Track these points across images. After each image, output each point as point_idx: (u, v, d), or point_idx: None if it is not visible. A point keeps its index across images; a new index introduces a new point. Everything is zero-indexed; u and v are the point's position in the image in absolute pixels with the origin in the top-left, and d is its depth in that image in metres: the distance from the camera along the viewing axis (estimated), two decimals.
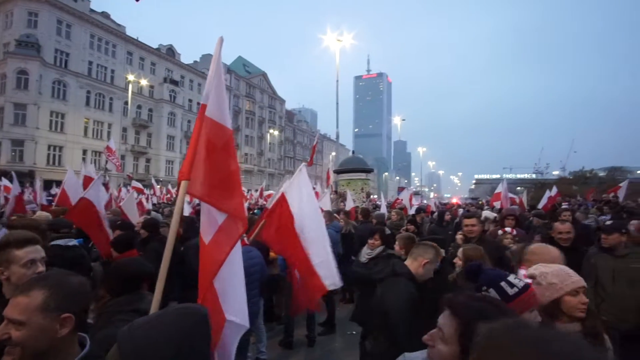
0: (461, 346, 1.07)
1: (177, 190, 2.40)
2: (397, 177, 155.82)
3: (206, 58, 57.83)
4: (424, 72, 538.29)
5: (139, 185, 17.22)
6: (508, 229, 5.15)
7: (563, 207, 9.48)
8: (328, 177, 14.26)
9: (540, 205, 11.15)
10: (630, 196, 13.11)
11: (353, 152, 19.40)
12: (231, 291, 1.89)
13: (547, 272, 1.65)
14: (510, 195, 12.14)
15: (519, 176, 59.42)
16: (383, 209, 9.66)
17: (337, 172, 14.24)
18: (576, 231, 3.99)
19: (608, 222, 3.68)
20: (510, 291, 1.44)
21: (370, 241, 4.29)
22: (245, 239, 3.49)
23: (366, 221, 6.94)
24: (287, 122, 71.91)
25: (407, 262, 2.80)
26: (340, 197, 13.25)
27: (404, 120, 63.90)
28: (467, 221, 4.24)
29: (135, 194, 11.38)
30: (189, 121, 48.05)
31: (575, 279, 1.64)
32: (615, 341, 3.24)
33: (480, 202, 21.25)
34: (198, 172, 1.87)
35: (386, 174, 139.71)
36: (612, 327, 3.21)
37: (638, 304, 3.10)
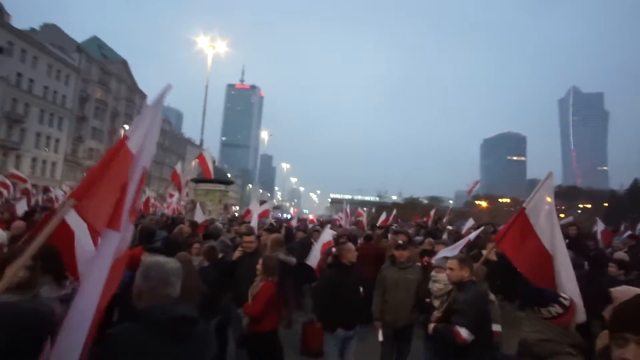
0: None
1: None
2: (261, 190, 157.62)
3: (50, 29, 48.51)
4: (299, 95, 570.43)
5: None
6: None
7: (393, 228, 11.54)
8: (176, 181, 13.50)
9: (378, 223, 13.35)
10: (438, 220, 16.59)
11: (214, 162, 19.12)
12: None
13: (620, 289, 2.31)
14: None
15: (366, 198, 67.63)
16: (254, 223, 9.59)
17: (195, 181, 13.85)
18: None
19: (400, 242, 4.81)
20: (566, 303, 2.10)
21: None
22: None
23: (194, 234, 6.75)
24: None
25: None
26: (195, 206, 12.89)
27: (271, 135, 65.81)
28: (245, 238, 5.01)
29: None
30: (14, 99, 39.12)
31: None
32: (389, 336, 4.30)
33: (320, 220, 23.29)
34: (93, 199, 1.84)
35: (250, 186, 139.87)
36: (389, 326, 4.24)
37: (409, 305, 4.16)
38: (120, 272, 2.03)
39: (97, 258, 1.88)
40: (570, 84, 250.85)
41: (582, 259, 5.68)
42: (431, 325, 3.35)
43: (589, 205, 56.45)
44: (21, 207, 9.14)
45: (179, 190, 14.93)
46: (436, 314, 3.40)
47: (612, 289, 2.36)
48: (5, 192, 14.85)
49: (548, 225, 3.22)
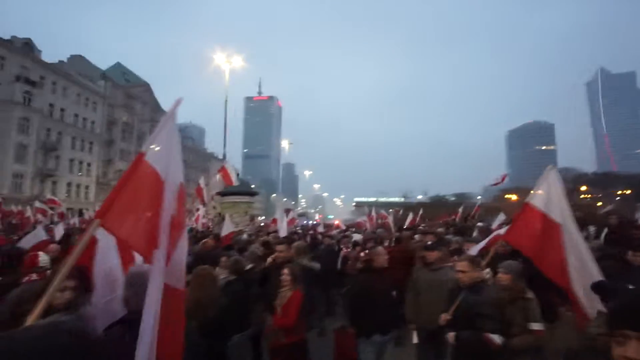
0: None
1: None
2: (285, 199, 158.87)
3: (76, 60, 51.16)
4: (317, 101, 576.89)
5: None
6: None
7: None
8: (200, 195, 13.83)
9: (405, 225, 13.22)
10: (467, 217, 16.16)
11: (238, 174, 19.41)
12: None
13: None
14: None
15: (390, 199, 66.97)
16: (283, 232, 9.62)
17: (221, 194, 14.11)
18: None
19: (429, 242, 4.71)
20: None
21: None
22: None
23: (217, 246, 6.94)
24: None
25: None
26: (223, 219, 13.14)
27: (291, 144, 66.49)
28: (278, 247, 5.05)
29: None
30: (48, 129, 41.28)
31: None
32: (424, 338, 4.19)
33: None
34: (120, 214, 1.91)
35: (274, 195, 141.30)
36: (423, 328, 4.15)
37: (443, 306, 4.05)
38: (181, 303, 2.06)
39: (149, 281, 1.93)
40: (597, 66, 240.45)
41: (614, 249, 5.38)
42: (451, 334, 3.16)
43: (628, 192, 53.50)
44: (59, 231, 9.56)
45: (203, 203, 15.29)
46: (445, 316, 3.28)
47: None
48: (42, 217, 15.66)
49: (557, 206, 3.21)
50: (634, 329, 1.10)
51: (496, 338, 2.89)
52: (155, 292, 1.84)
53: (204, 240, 7.39)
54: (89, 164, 48.27)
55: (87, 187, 47.95)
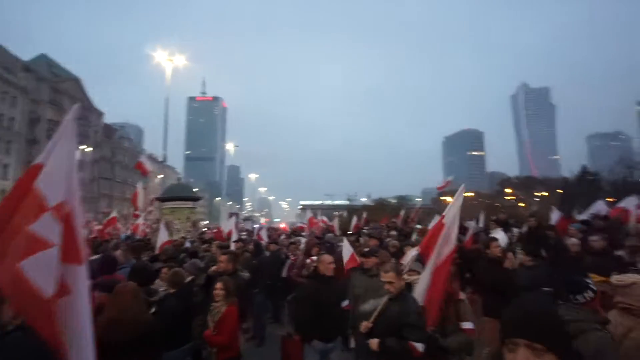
0: None
1: None
2: (230, 202, 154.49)
3: None
4: (263, 105, 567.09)
5: None
6: (315, 258, 6.21)
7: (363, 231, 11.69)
8: (134, 200, 13.19)
9: (351, 231, 13.50)
10: (407, 220, 16.93)
11: (179, 178, 18.55)
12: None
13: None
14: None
15: (335, 202, 68.13)
16: (234, 238, 9.25)
17: (161, 199, 13.41)
18: None
19: (366, 249, 4.88)
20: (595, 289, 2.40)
21: None
22: None
23: (138, 257, 6.12)
24: (104, 138, 62.53)
25: None
26: (166, 227, 12.52)
27: (237, 146, 64.96)
28: (221, 257, 5.06)
29: None
30: None
31: None
32: (360, 344, 4.33)
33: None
34: None
35: (218, 198, 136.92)
36: (362, 334, 4.29)
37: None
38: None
39: (74, 298, 1.91)
40: (520, 81, 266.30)
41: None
42: (375, 341, 3.23)
43: (545, 194, 59.45)
44: None
45: (136, 209, 14.49)
46: (366, 324, 3.37)
47: (615, 276, 2.60)
48: None
49: (453, 216, 3.89)
50: (523, 337, 1.20)
51: (419, 347, 3.04)
52: (87, 311, 1.90)
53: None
54: (5, 166, 43.16)
55: (3, 192, 42.81)
